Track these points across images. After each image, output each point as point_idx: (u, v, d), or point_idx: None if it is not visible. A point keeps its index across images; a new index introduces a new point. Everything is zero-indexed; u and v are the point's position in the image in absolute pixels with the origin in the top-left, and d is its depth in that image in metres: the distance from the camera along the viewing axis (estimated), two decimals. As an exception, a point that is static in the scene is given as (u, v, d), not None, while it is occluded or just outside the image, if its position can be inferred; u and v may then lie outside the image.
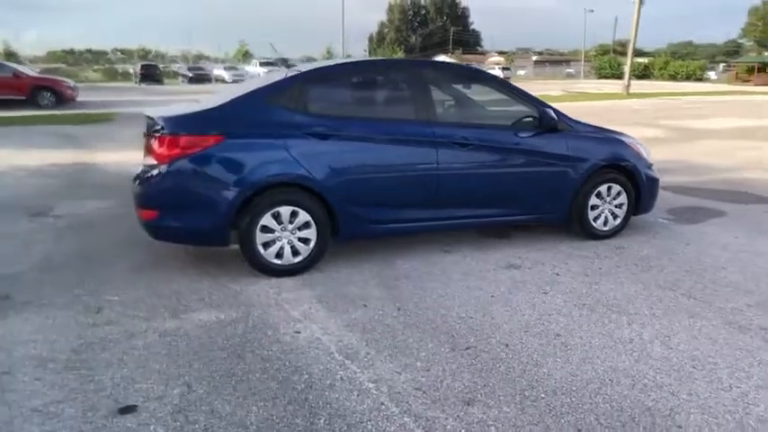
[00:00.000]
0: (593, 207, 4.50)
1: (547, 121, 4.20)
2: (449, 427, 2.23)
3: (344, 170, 3.74)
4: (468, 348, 2.84)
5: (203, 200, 3.58)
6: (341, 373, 2.62)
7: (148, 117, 3.95)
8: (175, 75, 44.98)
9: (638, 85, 32.09)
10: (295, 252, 3.75)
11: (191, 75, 39.20)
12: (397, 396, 2.43)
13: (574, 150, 4.35)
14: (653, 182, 4.72)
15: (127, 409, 2.32)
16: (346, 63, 4.48)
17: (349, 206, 3.78)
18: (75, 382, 2.52)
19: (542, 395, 2.44)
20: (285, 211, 3.66)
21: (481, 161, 4.11)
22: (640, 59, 69.98)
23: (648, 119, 15.01)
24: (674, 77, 52.05)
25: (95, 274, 3.81)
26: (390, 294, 3.52)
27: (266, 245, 3.68)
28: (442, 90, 4.28)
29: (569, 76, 66.43)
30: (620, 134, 4.74)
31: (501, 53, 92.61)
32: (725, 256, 4.25)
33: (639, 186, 4.62)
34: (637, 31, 26.86)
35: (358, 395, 2.44)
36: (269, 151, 3.62)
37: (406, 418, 2.28)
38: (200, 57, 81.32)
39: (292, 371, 2.63)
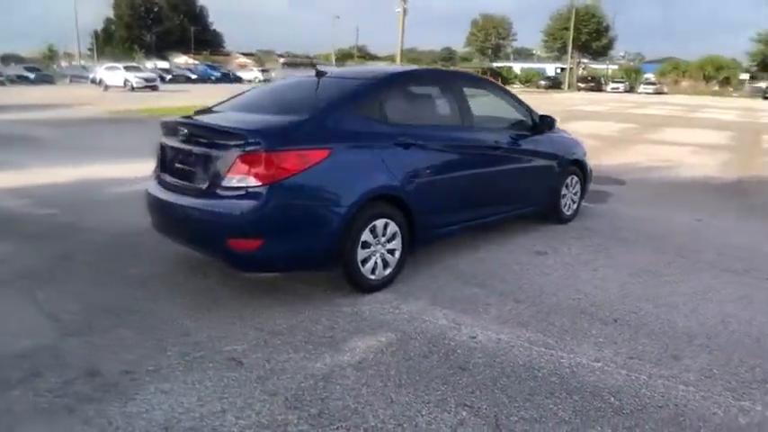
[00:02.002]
0: (563, 196, 5.46)
1: (547, 124, 4.97)
2: (692, 377, 2.77)
3: (422, 178, 3.86)
4: (615, 320, 3.40)
5: (317, 220, 3.33)
6: (563, 361, 2.89)
7: (191, 125, 3.43)
8: None
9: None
10: (385, 265, 3.73)
11: None
12: (626, 366, 2.85)
13: (556, 149, 5.24)
14: (590, 172, 5.94)
15: (456, 440, 2.23)
16: (412, 71, 4.54)
17: (425, 214, 3.91)
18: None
19: (706, 342, 3.16)
20: (380, 224, 3.62)
21: (506, 162, 4.66)
22: (383, 63, 78.64)
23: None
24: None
25: (156, 327, 3.15)
26: (491, 291, 3.81)
27: (364, 261, 3.58)
28: (473, 97, 4.67)
29: (324, 79, 70.16)
30: (568, 133, 5.83)
31: (246, 55, 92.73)
32: (655, 225, 5.67)
33: (586, 176, 5.78)
34: (403, 38, 30.42)
35: (601, 374, 2.78)
36: (370, 163, 3.54)
37: (658, 380, 2.73)
38: None
39: (524, 368, 2.80)
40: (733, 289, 3.97)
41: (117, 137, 11.54)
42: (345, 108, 3.58)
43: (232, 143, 3.21)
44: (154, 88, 30.45)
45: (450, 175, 4.14)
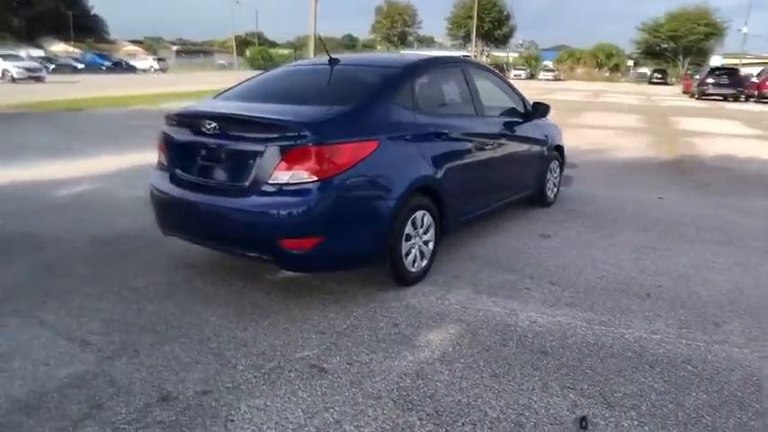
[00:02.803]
0: (548, 180, 5.73)
1: (541, 111, 5.17)
2: (740, 341, 3.04)
3: (450, 168, 3.87)
4: (648, 295, 3.64)
5: (369, 215, 3.25)
6: (627, 337, 3.06)
7: (223, 118, 3.22)
8: None
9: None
10: (422, 257, 3.72)
11: None
12: (682, 336, 3.08)
13: (545, 134, 5.47)
14: (565, 157, 6.26)
15: (584, 420, 2.30)
16: (436, 58, 4.43)
17: (453, 204, 3.93)
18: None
19: (732, 308, 3.47)
20: (419, 215, 3.60)
21: (510, 148, 4.79)
22: (284, 51, 77.13)
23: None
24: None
25: (206, 340, 2.94)
26: (522, 275, 3.92)
27: (406, 254, 3.56)
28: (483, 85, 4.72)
29: (222, 67, 67.10)
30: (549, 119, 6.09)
31: (134, 42, 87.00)
32: (628, 204, 6.11)
33: (563, 161, 6.09)
34: (315, 25, 29.88)
35: (666, 345, 2.98)
36: (411, 154, 3.51)
37: (715, 346, 2.98)
38: None
39: (598, 347, 2.94)
40: (726, 258, 4.39)
41: (29, 134, 10.37)
42: (387, 97, 3.51)
43: (279, 136, 3.02)
44: (39, 79, 27.67)
45: (470, 164, 4.18)
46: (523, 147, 5.07)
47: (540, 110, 5.23)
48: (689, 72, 41.66)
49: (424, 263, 3.74)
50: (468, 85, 4.35)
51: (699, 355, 2.90)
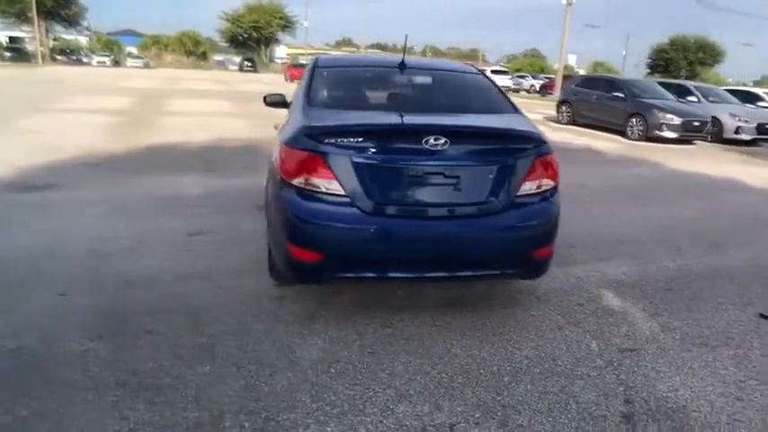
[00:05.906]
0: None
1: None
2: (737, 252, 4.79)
3: None
4: (644, 243, 5.02)
5: None
6: (696, 268, 4.37)
7: (462, 132, 3.10)
8: None
9: None
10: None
11: None
12: (718, 260, 4.61)
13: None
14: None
15: (762, 315, 3.47)
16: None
17: None
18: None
19: (688, 235, 5.23)
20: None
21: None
22: None
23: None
24: None
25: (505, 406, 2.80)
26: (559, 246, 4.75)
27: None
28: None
29: None
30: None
31: None
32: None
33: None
34: None
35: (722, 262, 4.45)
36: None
37: (740, 254, 4.61)
38: None
39: (691, 276, 4.15)
40: (617, 209, 6.22)
41: None
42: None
43: (524, 147, 3.07)
44: None
45: None
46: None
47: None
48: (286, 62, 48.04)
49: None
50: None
51: (748, 262, 4.55)
